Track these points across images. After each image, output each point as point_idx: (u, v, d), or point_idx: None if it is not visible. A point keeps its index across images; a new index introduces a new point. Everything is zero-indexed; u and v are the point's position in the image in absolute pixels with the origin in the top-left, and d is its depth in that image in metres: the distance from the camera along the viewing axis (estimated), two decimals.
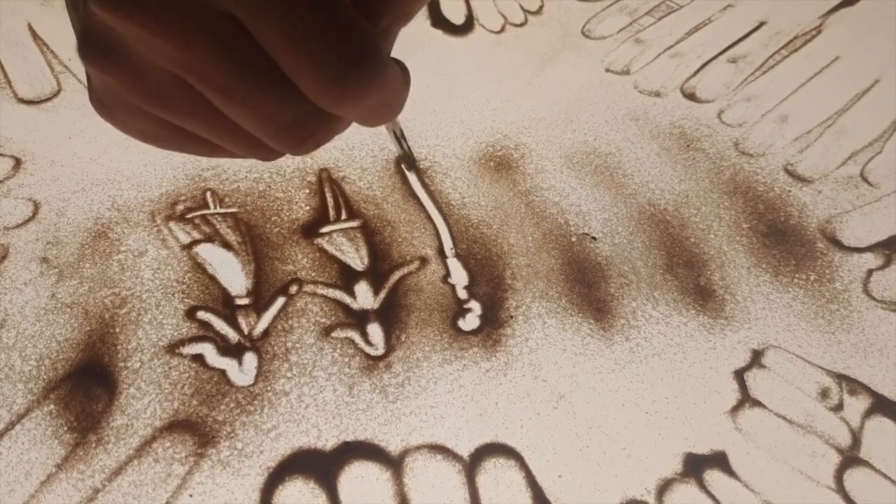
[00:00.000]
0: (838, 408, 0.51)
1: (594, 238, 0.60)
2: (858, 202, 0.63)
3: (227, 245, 0.58)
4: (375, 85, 0.23)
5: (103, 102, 0.26)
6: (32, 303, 0.54)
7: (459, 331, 0.54)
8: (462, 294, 0.56)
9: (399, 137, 0.39)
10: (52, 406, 0.50)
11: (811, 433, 0.50)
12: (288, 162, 0.63)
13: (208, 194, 0.61)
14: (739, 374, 0.53)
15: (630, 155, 0.66)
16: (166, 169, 0.63)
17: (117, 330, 0.53)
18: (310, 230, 0.59)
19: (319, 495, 0.47)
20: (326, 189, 0.62)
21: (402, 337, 0.54)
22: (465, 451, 0.49)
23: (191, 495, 0.47)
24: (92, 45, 0.23)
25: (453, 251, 0.58)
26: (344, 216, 0.60)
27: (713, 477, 0.48)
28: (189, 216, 0.59)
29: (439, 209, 0.61)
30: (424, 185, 0.62)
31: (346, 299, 0.55)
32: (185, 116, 0.24)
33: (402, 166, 0.62)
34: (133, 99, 0.24)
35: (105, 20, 0.22)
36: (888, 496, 0.48)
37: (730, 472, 0.49)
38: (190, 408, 0.50)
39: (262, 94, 0.22)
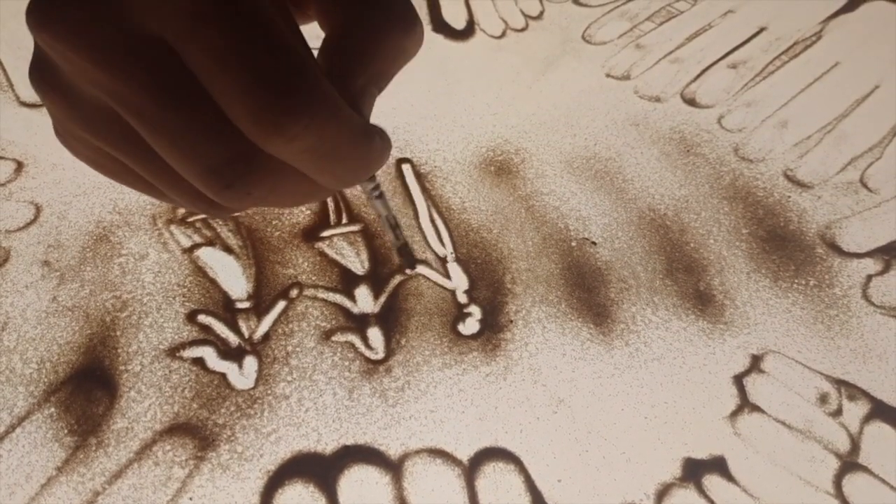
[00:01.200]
0: (837, 413, 0.52)
1: (594, 243, 0.60)
2: (858, 208, 0.63)
3: (227, 249, 0.58)
4: (308, 119, 0.20)
5: (56, 129, 0.25)
6: (33, 306, 0.55)
7: (459, 335, 0.54)
8: (462, 298, 0.56)
9: (392, 226, 0.34)
10: (52, 409, 0.50)
11: (810, 438, 0.50)
12: None
13: None
14: (739, 379, 0.53)
15: (630, 160, 0.66)
16: None
17: (118, 333, 0.54)
18: (310, 234, 0.59)
19: (319, 499, 0.47)
20: None
21: (402, 341, 0.54)
22: (464, 455, 0.49)
23: (191, 498, 0.47)
24: (37, 70, 0.22)
25: (453, 255, 0.58)
26: (345, 220, 0.60)
27: (712, 482, 0.48)
28: (190, 220, 0.60)
29: (439, 213, 0.61)
30: (425, 190, 0.63)
31: (347, 303, 0.56)
32: (121, 150, 0.23)
33: (402, 262, 0.57)
34: (74, 127, 0.23)
35: (40, 43, 0.21)
36: (887, 501, 0.48)
37: (729, 476, 0.49)
38: (190, 411, 0.50)
39: (189, 126, 0.21)
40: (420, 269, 0.58)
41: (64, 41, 0.20)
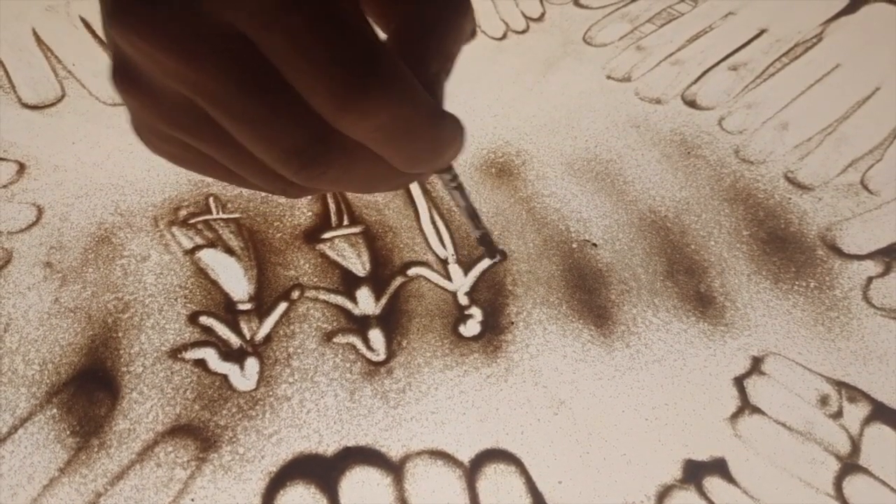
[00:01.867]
0: (838, 415, 0.52)
1: (595, 244, 0.60)
2: (858, 210, 0.63)
3: (229, 250, 0.58)
4: (383, 96, 0.21)
5: (136, 127, 0.26)
6: (36, 307, 0.55)
7: (460, 337, 0.55)
8: (463, 300, 0.56)
9: (471, 216, 0.35)
10: (54, 410, 0.50)
11: (811, 440, 0.50)
12: None
13: (211, 200, 0.61)
14: (739, 381, 0.53)
15: (631, 162, 0.66)
16: (169, 174, 0.63)
17: (120, 334, 0.54)
18: (312, 236, 0.59)
19: (321, 500, 0.47)
20: (328, 195, 0.62)
21: (403, 342, 0.54)
22: (465, 456, 0.49)
23: (192, 499, 0.47)
24: (118, 70, 0.23)
25: (454, 257, 0.59)
26: (346, 222, 0.60)
27: (713, 483, 0.48)
28: (192, 221, 0.60)
29: (440, 215, 0.61)
30: (426, 192, 0.63)
31: (348, 305, 0.56)
32: (201, 140, 0.24)
33: (483, 252, 0.57)
34: (157, 123, 0.24)
35: (122, 44, 0.22)
36: (887, 503, 0.48)
37: (729, 478, 0.49)
38: (192, 412, 0.50)
39: (267, 112, 0.22)
40: (420, 270, 0.58)
41: (147, 40, 0.21)
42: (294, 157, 0.23)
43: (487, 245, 0.38)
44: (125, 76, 0.23)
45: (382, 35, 0.26)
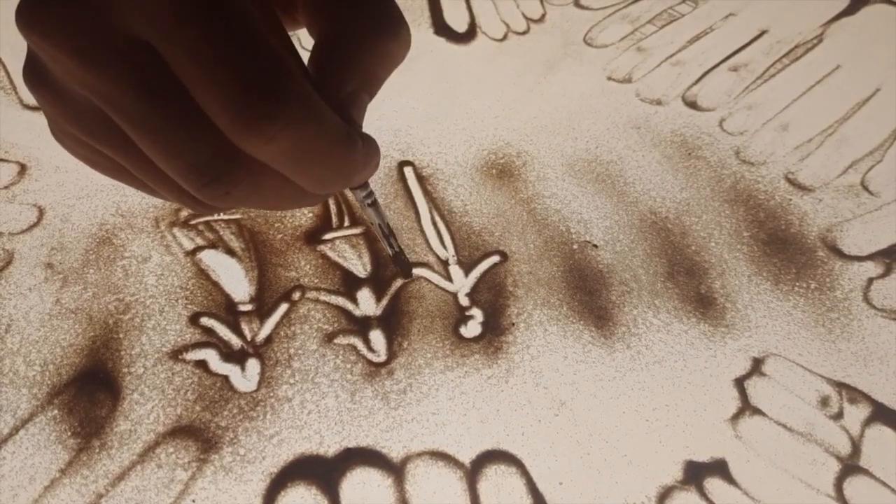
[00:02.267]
0: (838, 416, 0.52)
1: (595, 246, 0.60)
2: (859, 211, 0.63)
3: (230, 251, 0.58)
4: (285, 120, 0.20)
5: (51, 127, 0.26)
6: (37, 308, 0.55)
7: (461, 338, 0.55)
8: (464, 301, 0.56)
9: (385, 234, 0.34)
10: (55, 411, 0.50)
11: (811, 441, 0.50)
12: None
13: None
14: (740, 382, 0.53)
15: (631, 163, 0.66)
16: None
17: (121, 335, 0.54)
18: (313, 237, 0.59)
19: (321, 501, 0.47)
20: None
21: (404, 343, 0.54)
22: (466, 457, 0.49)
23: (193, 500, 0.47)
24: (28, 70, 0.23)
25: (455, 258, 0.59)
26: (347, 223, 0.60)
27: (713, 484, 0.48)
28: (193, 222, 0.60)
29: (441, 216, 0.61)
30: (426, 193, 0.63)
31: (349, 306, 0.56)
32: (110, 147, 0.23)
33: (397, 271, 0.56)
34: (66, 125, 0.24)
35: (29, 42, 0.21)
36: None
37: (730, 479, 0.49)
38: (193, 413, 0.50)
39: (171, 125, 0.21)
40: (421, 271, 0.58)
41: (51, 42, 0.20)
42: (196, 174, 0.22)
43: (402, 264, 0.38)
44: (35, 75, 0.23)
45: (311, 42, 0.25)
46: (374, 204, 0.32)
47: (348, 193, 0.61)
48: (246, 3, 0.20)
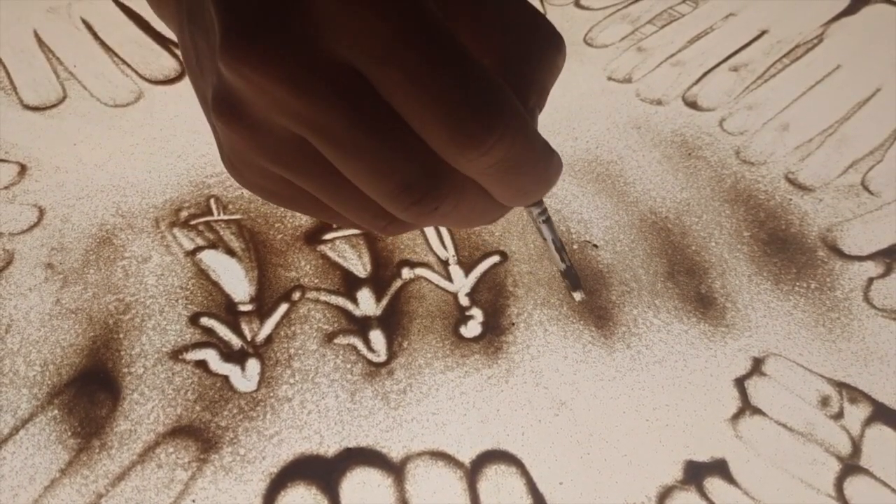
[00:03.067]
0: (838, 416, 0.52)
1: (596, 246, 0.60)
2: (859, 211, 0.63)
3: (230, 251, 0.58)
4: (502, 131, 0.21)
5: (232, 162, 0.26)
6: (37, 308, 0.55)
7: (461, 338, 0.55)
8: (464, 301, 0.56)
9: (558, 249, 0.34)
10: (56, 411, 0.50)
11: (811, 441, 0.50)
12: None
13: (212, 201, 0.61)
14: (740, 382, 0.53)
15: (632, 163, 0.66)
16: (170, 176, 0.63)
17: (121, 336, 0.54)
18: (313, 237, 0.59)
19: (321, 501, 0.47)
20: None
21: (404, 343, 0.54)
22: (466, 457, 0.49)
23: (193, 500, 0.47)
24: (223, 104, 0.23)
25: (455, 258, 0.59)
26: None
27: (713, 484, 0.48)
28: (193, 223, 0.60)
29: None
30: None
31: (349, 306, 0.56)
32: (306, 178, 0.24)
33: (566, 285, 0.58)
34: (258, 158, 0.24)
35: (231, 78, 0.22)
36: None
37: (730, 479, 0.49)
38: (193, 413, 0.50)
39: (382, 148, 0.22)
40: (421, 271, 0.58)
41: (261, 73, 0.20)
42: (406, 193, 0.22)
43: (572, 278, 0.39)
44: (228, 108, 0.23)
45: None
46: (549, 220, 0.32)
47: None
48: (446, 22, 0.21)
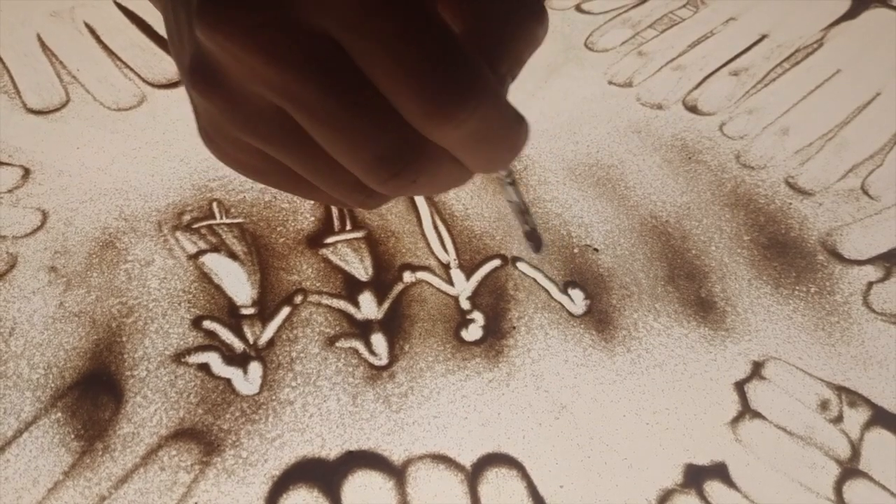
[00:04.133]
0: (838, 420, 0.52)
1: (596, 250, 0.60)
2: (859, 215, 0.63)
3: (232, 255, 0.59)
4: (474, 104, 0.21)
5: (207, 133, 0.26)
6: (40, 311, 0.55)
7: (462, 341, 0.55)
8: (465, 305, 0.57)
9: (522, 211, 0.36)
10: (59, 414, 0.50)
11: (811, 445, 0.51)
12: None
13: (214, 205, 0.62)
14: (740, 386, 0.53)
15: (632, 167, 0.66)
16: (173, 179, 0.63)
17: (124, 339, 0.54)
18: (315, 241, 0.60)
19: None
20: None
21: (405, 347, 0.54)
22: (467, 460, 0.49)
23: (196, 503, 0.47)
24: (199, 72, 0.23)
25: (456, 262, 0.59)
26: (348, 227, 0.61)
27: (713, 488, 0.49)
28: (195, 226, 0.60)
29: (443, 220, 0.61)
30: (428, 197, 0.63)
31: (351, 309, 0.56)
32: (283, 149, 0.24)
33: (528, 246, 0.59)
34: (234, 129, 0.24)
35: (209, 46, 0.22)
36: None
37: (730, 483, 0.49)
38: (195, 416, 0.51)
39: (358, 119, 0.22)
40: (422, 275, 0.58)
41: (236, 41, 0.21)
42: (384, 165, 0.23)
43: (535, 240, 0.40)
44: (204, 76, 0.23)
45: None
46: (514, 182, 0.33)
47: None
48: None
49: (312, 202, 0.62)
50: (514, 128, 0.24)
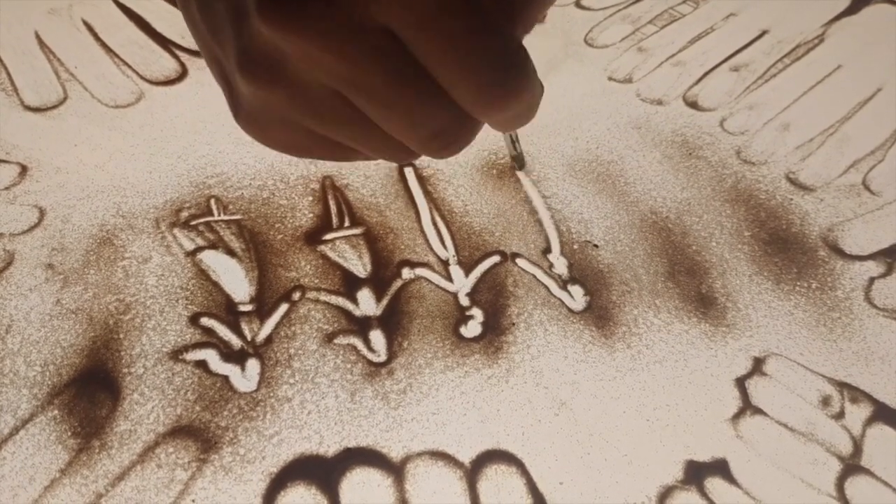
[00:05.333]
0: (839, 416, 0.51)
1: (596, 246, 0.60)
2: (860, 210, 0.63)
3: (230, 252, 0.58)
4: (525, 92, 0.24)
5: (256, 119, 0.28)
6: (37, 309, 0.55)
7: (461, 337, 0.55)
8: (464, 301, 0.56)
9: (514, 140, 0.43)
10: (56, 411, 0.50)
11: (812, 441, 0.50)
12: (292, 169, 0.64)
13: (212, 201, 0.61)
14: (741, 382, 0.53)
15: (632, 163, 0.66)
16: (171, 176, 0.63)
17: (121, 336, 0.54)
18: (313, 237, 0.59)
19: (321, 501, 0.47)
20: (330, 196, 0.62)
21: (404, 343, 0.54)
22: (466, 457, 0.49)
23: (193, 500, 0.47)
24: (256, 63, 0.25)
25: (455, 258, 0.59)
26: (347, 223, 0.60)
27: (714, 484, 0.48)
28: (193, 223, 0.60)
29: (441, 216, 0.61)
30: (427, 193, 0.63)
31: (349, 306, 0.56)
32: (339, 128, 0.27)
33: (513, 166, 0.64)
34: (292, 114, 0.26)
35: (269, 38, 0.23)
36: None
37: (731, 479, 0.49)
38: (193, 413, 0.50)
39: (416, 103, 0.24)
40: (421, 271, 0.58)
41: (304, 35, 0.22)
42: (437, 139, 0.26)
43: (519, 160, 0.50)
44: (262, 68, 0.25)
45: None
46: None
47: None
48: None
49: (311, 198, 0.62)
50: (538, 101, 0.27)
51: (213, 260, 0.58)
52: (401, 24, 0.22)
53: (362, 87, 0.24)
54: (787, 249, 0.60)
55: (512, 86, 0.24)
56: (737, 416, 0.51)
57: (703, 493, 0.48)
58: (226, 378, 0.52)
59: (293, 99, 0.25)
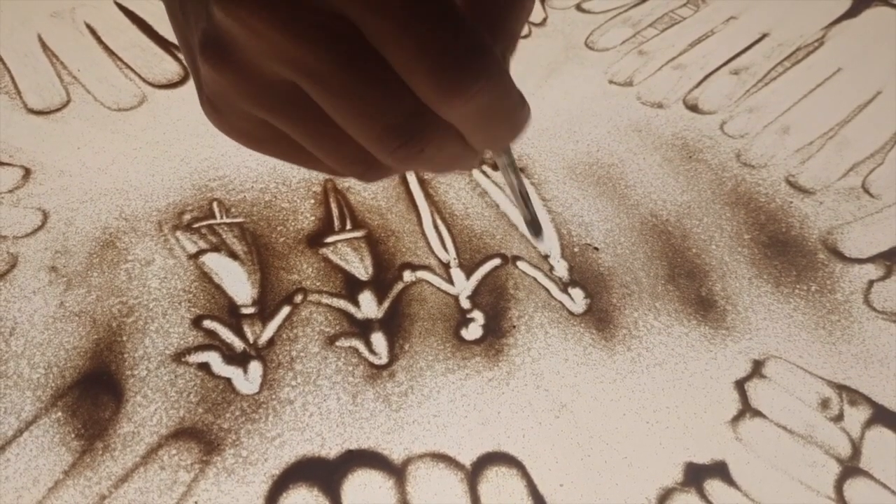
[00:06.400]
0: (838, 418, 0.52)
1: (596, 248, 0.60)
2: (860, 213, 0.63)
3: (233, 255, 0.59)
4: (484, 80, 0.22)
5: (214, 105, 0.27)
6: (41, 311, 0.55)
7: (462, 340, 0.55)
8: (465, 304, 0.57)
9: (523, 196, 0.36)
10: (59, 413, 0.50)
11: (811, 443, 0.51)
12: (294, 172, 0.64)
13: (215, 204, 0.62)
14: (740, 385, 0.53)
15: (632, 166, 0.66)
16: (173, 179, 0.63)
17: (124, 338, 0.54)
18: (315, 240, 0.60)
19: (323, 503, 0.47)
20: (331, 199, 0.62)
21: (405, 346, 0.54)
22: (467, 459, 0.49)
23: (196, 502, 0.47)
24: (211, 46, 0.24)
25: (456, 261, 0.59)
26: (348, 226, 0.61)
27: (713, 486, 0.49)
28: (196, 226, 0.60)
29: (443, 219, 0.61)
30: (428, 196, 0.63)
31: (351, 309, 0.56)
32: (290, 120, 0.25)
33: (529, 232, 0.59)
34: (244, 102, 0.25)
35: (224, 21, 0.23)
36: None
37: (730, 481, 0.49)
38: (195, 416, 0.51)
39: (370, 91, 0.23)
40: (422, 274, 0.58)
41: (258, 18, 0.22)
42: (393, 134, 0.24)
43: (535, 226, 0.41)
44: (218, 50, 0.24)
45: None
46: (516, 170, 0.33)
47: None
48: None
49: (313, 201, 0.62)
50: (517, 106, 0.25)
51: (216, 263, 0.58)
52: (353, 7, 0.21)
53: (314, 72, 0.23)
54: (787, 252, 0.60)
55: (466, 71, 0.22)
56: (736, 419, 0.52)
57: (703, 495, 0.48)
58: (228, 380, 0.52)
59: (247, 84, 0.24)
